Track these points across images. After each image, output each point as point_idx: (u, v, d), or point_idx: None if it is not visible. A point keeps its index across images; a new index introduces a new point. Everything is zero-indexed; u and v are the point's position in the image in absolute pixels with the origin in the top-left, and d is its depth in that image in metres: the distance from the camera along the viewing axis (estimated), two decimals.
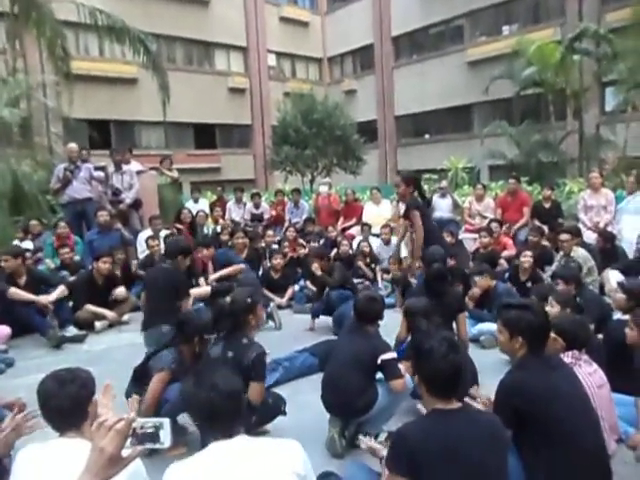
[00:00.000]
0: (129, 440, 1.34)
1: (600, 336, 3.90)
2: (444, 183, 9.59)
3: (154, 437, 1.38)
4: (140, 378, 3.30)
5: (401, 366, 3.26)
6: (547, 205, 8.26)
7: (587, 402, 2.50)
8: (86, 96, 17.33)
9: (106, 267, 6.19)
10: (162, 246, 7.23)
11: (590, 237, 7.14)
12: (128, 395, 3.33)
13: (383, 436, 3.25)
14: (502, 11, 22.44)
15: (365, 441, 2.58)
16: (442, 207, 9.06)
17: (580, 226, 7.32)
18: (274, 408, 3.33)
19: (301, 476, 1.75)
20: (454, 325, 4.35)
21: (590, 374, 2.83)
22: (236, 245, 7.32)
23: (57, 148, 12.11)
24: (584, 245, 6.33)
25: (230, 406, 1.84)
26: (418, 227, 5.22)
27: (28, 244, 7.55)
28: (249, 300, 3.29)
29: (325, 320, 5.90)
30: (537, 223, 7.86)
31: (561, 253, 6.02)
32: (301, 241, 8.48)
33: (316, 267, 6.25)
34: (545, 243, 7.00)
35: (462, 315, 4.27)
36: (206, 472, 1.73)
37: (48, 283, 5.97)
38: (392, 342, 3.80)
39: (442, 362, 2.03)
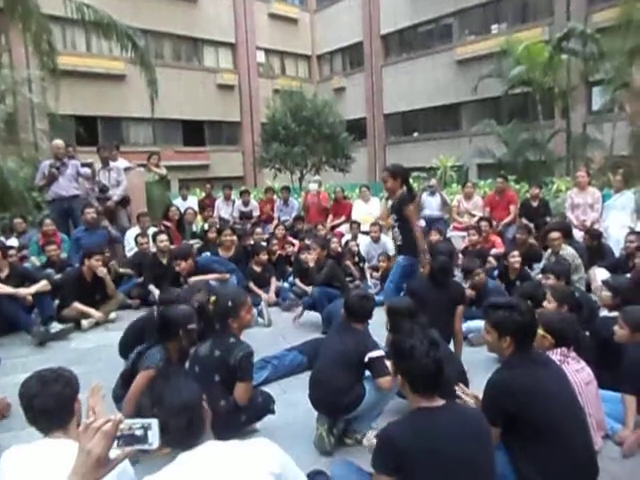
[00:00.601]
0: (116, 442, 1.33)
1: (587, 333, 3.94)
2: (433, 181, 9.62)
3: (142, 438, 1.36)
4: (129, 380, 3.23)
5: (388, 363, 3.26)
6: (535, 203, 8.32)
7: (574, 399, 2.52)
8: (73, 92, 17.17)
9: (99, 264, 6.14)
10: (151, 244, 7.20)
11: (577, 235, 7.20)
12: (116, 398, 3.29)
13: (372, 434, 3.26)
14: (491, 10, 22.56)
15: (369, 438, 2.57)
16: (431, 205, 9.09)
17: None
18: (263, 407, 3.31)
19: (276, 474, 1.72)
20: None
21: (578, 371, 2.85)
22: (224, 243, 7.27)
23: (43, 144, 11.96)
24: (571, 243, 6.37)
25: (178, 422, 1.75)
26: (414, 224, 5.04)
27: (13, 241, 7.45)
28: (230, 304, 3.24)
29: (314, 317, 5.89)
30: (525, 221, 7.92)
31: (549, 251, 6.06)
32: (290, 239, 8.47)
33: (312, 258, 6.27)
34: (532, 241, 7.05)
35: (460, 308, 4.34)
36: None
37: (32, 279, 5.89)
38: (381, 340, 3.81)
39: (424, 359, 2.04)
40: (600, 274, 5.78)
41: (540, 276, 6.04)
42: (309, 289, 6.26)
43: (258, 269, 6.96)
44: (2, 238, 7.38)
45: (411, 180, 12.67)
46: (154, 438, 1.38)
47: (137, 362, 3.28)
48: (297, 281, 6.81)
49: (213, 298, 3.54)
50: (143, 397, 2.97)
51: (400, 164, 5.53)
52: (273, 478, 1.70)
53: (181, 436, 1.77)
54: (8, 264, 5.82)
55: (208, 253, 7.46)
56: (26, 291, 5.57)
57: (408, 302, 3.73)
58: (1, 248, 5.91)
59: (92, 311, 6.04)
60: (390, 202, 5.34)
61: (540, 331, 2.88)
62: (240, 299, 3.31)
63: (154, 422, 1.39)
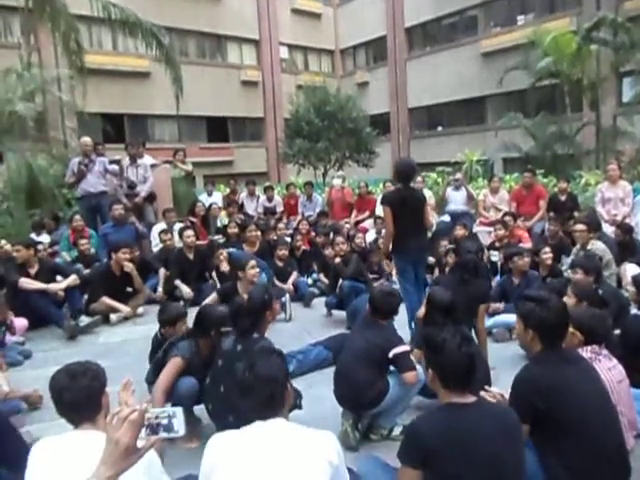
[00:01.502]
0: (143, 430, 1.35)
1: (617, 331, 3.85)
2: (458, 175, 9.50)
3: (168, 426, 1.39)
4: (160, 368, 3.30)
5: (412, 357, 3.25)
6: (563, 198, 8.16)
7: (606, 397, 2.46)
8: (100, 90, 17.44)
9: (125, 257, 6.26)
10: (176, 239, 7.29)
11: (608, 230, 7.04)
12: (149, 381, 3.37)
13: (398, 429, 3.25)
14: (517, 1, 22.14)
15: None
16: (456, 199, 8.98)
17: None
18: (296, 399, 3.34)
19: (334, 465, 1.77)
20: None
21: (610, 369, 2.79)
22: (249, 238, 7.32)
23: (72, 142, 12.20)
24: (601, 238, 6.24)
25: (262, 390, 1.87)
26: (388, 225, 4.99)
27: (45, 237, 7.62)
28: (266, 297, 3.29)
29: (339, 313, 5.90)
30: (553, 216, 7.77)
31: (578, 245, 5.95)
32: (314, 234, 8.47)
33: (336, 253, 6.36)
34: (562, 234, 6.92)
35: (483, 307, 4.28)
36: (243, 448, 1.78)
37: (62, 274, 6.03)
38: (405, 335, 3.79)
39: (456, 354, 2.03)
40: (631, 270, 5.63)
41: (569, 271, 5.94)
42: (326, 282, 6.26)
43: (280, 264, 6.98)
44: (33, 234, 7.55)
45: (435, 175, 12.62)
46: (180, 426, 1.40)
47: (169, 351, 3.36)
48: (321, 276, 6.82)
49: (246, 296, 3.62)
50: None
51: (405, 161, 5.56)
52: (330, 467, 1.76)
53: (261, 404, 1.86)
54: (37, 260, 5.96)
55: (233, 249, 7.51)
56: (57, 287, 5.72)
57: (448, 296, 3.69)
58: (30, 245, 6.02)
59: (120, 306, 6.15)
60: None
61: (570, 328, 2.83)
62: (271, 291, 3.42)
63: (179, 410, 1.42)
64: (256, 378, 1.89)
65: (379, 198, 9.80)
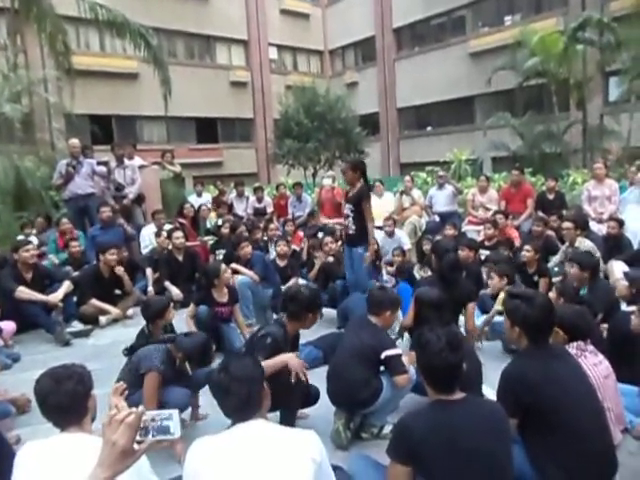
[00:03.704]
0: (139, 433, 1.36)
1: (605, 326, 3.90)
2: (441, 172, 9.57)
3: (164, 429, 1.41)
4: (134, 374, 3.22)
5: (405, 359, 3.26)
6: (551, 196, 8.21)
7: (592, 393, 2.49)
8: (87, 91, 17.29)
9: (114, 258, 6.23)
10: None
11: (594, 227, 7.10)
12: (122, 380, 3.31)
13: (388, 428, 3.26)
14: (504, 1, 22.29)
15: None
16: (440, 200, 9.04)
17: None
18: (314, 395, 3.39)
19: (317, 462, 1.79)
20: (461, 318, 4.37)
21: (596, 365, 2.82)
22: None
23: (59, 144, 12.11)
24: (589, 236, 6.29)
25: (239, 389, 1.88)
26: (370, 218, 5.40)
27: (32, 239, 7.55)
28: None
29: (329, 312, 5.90)
30: (541, 214, 7.83)
31: (566, 243, 6.00)
32: (301, 234, 8.46)
33: (328, 250, 6.40)
34: (550, 233, 6.96)
35: (471, 306, 4.30)
36: (226, 451, 1.79)
37: (53, 278, 5.98)
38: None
39: (436, 358, 2.05)
40: (618, 267, 5.68)
41: (556, 269, 6.00)
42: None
43: (281, 263, 6.77)
44: (22, 236, 7.48)
45: (425, 174, 12.68)
46: (176, 429, 1.42)
47: (141, 361, 3.32)
48: (310, 276, 6.82)
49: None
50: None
51: (360, 159, 6.04)
52: (313, 464, 1.77)
53: (239, 405, 1.88)
54: (32, 265, 5.84)
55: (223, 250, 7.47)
56: (56, 298, 5.63)
57: (437, 293, 3.70)
58: (28, 249, 5.80)
59: (110, 308, 6.12)
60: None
61: None
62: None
63: (175, 412, 1.43)
64: (232, 379, 1.91)
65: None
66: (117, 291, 6.46)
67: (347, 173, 5.53)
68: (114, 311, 6.11)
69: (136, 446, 1.35)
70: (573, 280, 4.59)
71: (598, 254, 5.78)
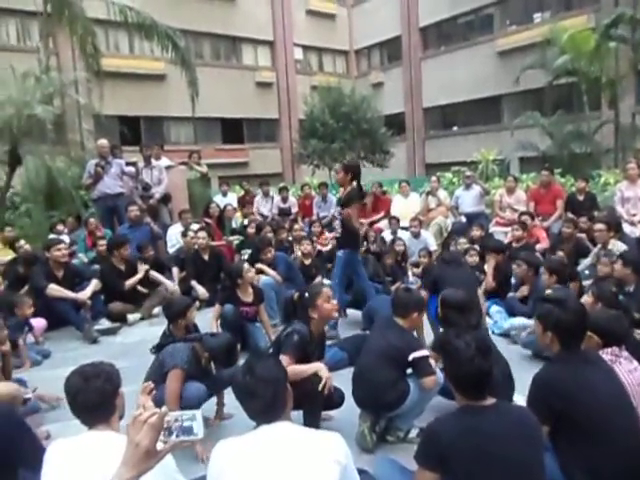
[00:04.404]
0: (163, 433, 1.36)
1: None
2: (468, 172, 9.43)
3: (188, 429, 1.41)
4: (159, 371, 3.30)
5: (432, 361, 3.22)
6: (581, 197, 8.03)
7: (626, 400, 2.42)
8: (116, 93, 17.61)
9: (126, 253, 6.41)
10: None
11: (627, 229, 6.92)
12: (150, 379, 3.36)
13: (414, 432, 3.23)
14: None
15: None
16: (466, 201, 8.91)
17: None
18: (339, 398, 3.36)
19: (342, 464, 1.77)
20: None
21: (630, 371, 2.72)
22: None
23: (89, 144, 12.34)
24: (622, 238, 6.13)
25: (264, 391, 1.88)
26: (355, 221, 5.30)
27: (64, 238, 7.71)
28: (307, 295, 3.43)
29: (353, 314, 5.88)
30: (571, 216, 7.66)
31: (599, 246, 5.86)
32: (328, 234, 8.44)
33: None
34: (581, 235, 6.80)
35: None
36: (250, 453, 1.78)
37: (82, 277, 6.10)
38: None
39: (467, 365, 2.01)
40: None
41: (586, 272, 5.85)
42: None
43: (307, 262, 6.74)
44: (54, 235, 7.64)
45: (451, 175, 12.56)
46: (199, 429, 1.42)
47: (165, 359, 3.37)
48: None
49: (297, 294, 3.74)
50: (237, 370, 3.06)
51: (355, 161, 5.89)
52: (338, 467, 1.76)
53: (264, 407, 1.88)
54: (63, 264, 5.95)
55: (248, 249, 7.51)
56: (85, 296, 5.75)
57: (461, 295, 3.66)
58: (60, 248, 5.93)
59: (166, 281, 6.55)
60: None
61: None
62: (316, 289, 3.45)
63: (198, 413, 1.44)
64: (257, 380, 1.91)
65: (394, 198, 9.82)
66: (143, 289, 6.55)
67: (339, 174, 5.47)
68: (169, 284, 6.51)
69: (160, 446, 1.36)
70: (613, 281, 4.52)
71: None
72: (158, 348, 3.58)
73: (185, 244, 7.31)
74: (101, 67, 11.79)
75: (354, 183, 5.32)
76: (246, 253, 7.43)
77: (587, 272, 5.91)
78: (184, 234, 7.39)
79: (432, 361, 3.22)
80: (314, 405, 3.12)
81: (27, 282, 5.79)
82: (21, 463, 2.28)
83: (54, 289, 5.61)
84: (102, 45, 14.14)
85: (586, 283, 5.30)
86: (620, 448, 2.23)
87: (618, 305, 3.80)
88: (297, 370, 2.99)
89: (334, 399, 3.31)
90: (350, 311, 6.02)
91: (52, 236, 7.56)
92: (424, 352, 3.22)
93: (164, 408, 1.40)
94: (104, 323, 5.91)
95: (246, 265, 5.18)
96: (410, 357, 3.16)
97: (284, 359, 3.00)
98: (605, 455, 2.22)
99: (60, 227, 7.96)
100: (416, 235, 7.88)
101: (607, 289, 4.05)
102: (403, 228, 8.37)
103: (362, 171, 5.68)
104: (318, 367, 3.07)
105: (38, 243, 7.28)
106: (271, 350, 3.43)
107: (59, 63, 16.14)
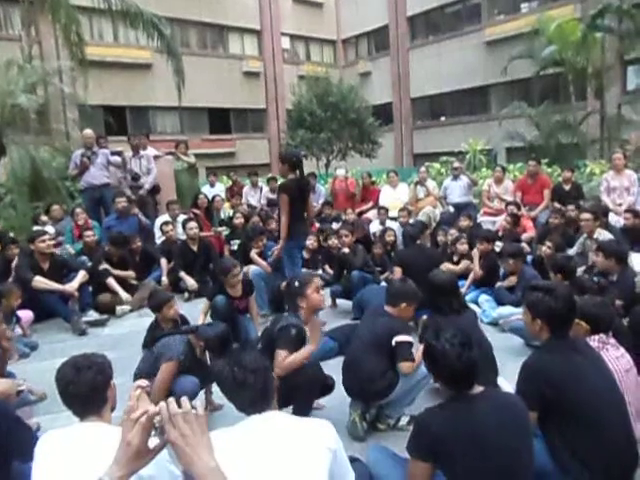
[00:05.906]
0: (154, 431, 1.36)
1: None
2: (456, 163, 9.48)
3: None
4: (152, 363, 3.30)
5: (416, 352, 3.21)
6: (567, 187, 8.11)
7: (614, 386, 2.46)
8: (101, 82, 17.39)
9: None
10: (180, 230, 7.28)
11: (612, 219, 7.00)
12: (140, 373, 3.34)
13: (405, 419, 3.25)
14: None
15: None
16: (454, 191, 8.96)
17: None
18: (330, 384, 3.37)
19: (332, 450, 1.78)
20: None
21: (617, 358, 2.77)
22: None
23: (74, 134, 12.17)
24: (607, 227, 6.20)
25: (255, 381, 1.89)
26: (285, 212, 5.09)
27: (49, 228, 7.61)
28: (297, 283, 3.36)
29: (344, 304, 5.90)
30: (557, 205, 7.73)
31: (584, 235, 5.91)
32: (318, 225, 8.43)
33: (341, 244, 6.38)
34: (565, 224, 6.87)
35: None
36: (242, 443, 1.79)
37: (69, 268, 6.03)
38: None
39: (457, 364, 2.03)
40: (637, 259, 5.60)
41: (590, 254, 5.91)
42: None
43: (307, 256, 6.61)
44: (38, 227, 7.54)
45: (439, 165, 12.57)
46: None
47: (161, 353, 3.36)
48: (326, 267, 6.81)
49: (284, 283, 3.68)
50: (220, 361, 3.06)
51: (293, 151, 5.69)
52: (329, 453, 1.76)
53: (255, 397, 1.88)
54: (48, 255, 5.87)
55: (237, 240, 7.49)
56: (72, 287, 5.67)
57: (449, 276, 3.66)
58: (44, 240, 5.85)
59: (121, 291, 6.18)
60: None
61: None
62: (306, 278, 3.42)
63: (192, 411, 1.41)
64: (246, 371, 1.91)
65: (383, 188, 9.83)
66: (133, 282, 6.52)
67: (279, 165, 5.43)
68: (124, 295, 6.16)
69: (152, 444, 1.36)
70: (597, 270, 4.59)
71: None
72: (151, 342, 3.57)
73: (166, 237, 7.24)
74: (85, 56, 11.61)
75: (295, 173, 5.18)
76: (235, 244, 7.40)
77: (591, 253, 5.94)
78: (165, 224, 7.32)
79: (416, 354, 3.20)
80: (311, 394, 3.13)
81: (11, 273, 5.73)
82: (16, 454, 2.27)
83: (40, 281, 5.54)
84: (86, 33, 13.92)
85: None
86: (609, 433, 2.27)
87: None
88: (294, 362, 2.99)
89: (325, 385, 3.32)
90: (340, 301, 6.04)
91: (36, 228, 7.47)
92: (408, 338, 3.22)
93: (156, 407, 1.39)
94: (92, 315, 5.86)
95: (237, 269, 4.95)
96: (393, 341, 3.18)
97: (281, 354, 2.98)
98: (594, 441, 2.26)
99: (44, 218, 7.85)
100: (405, 225, 7.90)
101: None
102: (392, 218, 8.39)
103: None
104: (308, 350, 3.06)
105: (23, 235, 7.18)
106: (260, 344, 3.40)
107: (42, 51, 15.84)
